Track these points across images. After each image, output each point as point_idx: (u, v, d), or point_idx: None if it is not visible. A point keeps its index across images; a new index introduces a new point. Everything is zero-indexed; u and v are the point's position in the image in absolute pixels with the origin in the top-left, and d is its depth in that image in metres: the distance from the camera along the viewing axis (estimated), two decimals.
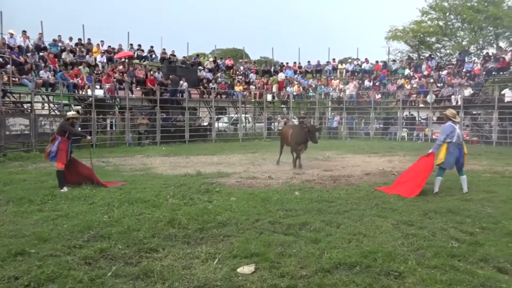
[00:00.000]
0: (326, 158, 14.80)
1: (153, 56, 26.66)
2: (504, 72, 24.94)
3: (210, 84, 25.16)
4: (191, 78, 24.45)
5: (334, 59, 31.50)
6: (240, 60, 31.75)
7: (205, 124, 24.88)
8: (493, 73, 25.12)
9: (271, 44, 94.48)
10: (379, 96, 26.55)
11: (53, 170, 11.18)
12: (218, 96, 25.05)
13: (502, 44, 31.98)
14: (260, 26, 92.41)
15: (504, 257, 4.26)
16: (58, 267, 3.92)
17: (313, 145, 18.89)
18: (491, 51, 30.55)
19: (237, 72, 28.77)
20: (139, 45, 26.19)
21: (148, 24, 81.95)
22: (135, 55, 25.57)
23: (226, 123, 27.35)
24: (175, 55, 26.56)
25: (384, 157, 14.89)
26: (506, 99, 21.21)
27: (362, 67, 30.09)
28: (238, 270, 3.95)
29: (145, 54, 26.23)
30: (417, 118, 25.10)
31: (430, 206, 6.57)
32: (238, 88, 25.98)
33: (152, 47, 26.87)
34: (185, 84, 23.04)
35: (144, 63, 25.48)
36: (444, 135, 7.83)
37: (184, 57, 27.69)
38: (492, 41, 33.11)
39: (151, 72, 23.46)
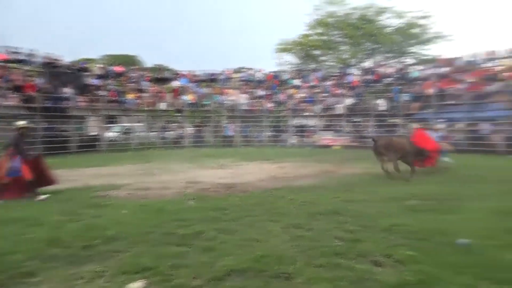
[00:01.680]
0: (221, 166, 14.92)
1: (33, 60, 24.39)
2: (379, 84, 27.90)
3: (99, 91, 23.82)
4: (78, 84, 22.89)
5: (228, 69, 32.09)
6: (132, 67, 30.62)
7: (94, 133, 23.40)
8: (370, 84, 27.94)
9: (166, 51, 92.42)
10: (271, 105, 27.70)
11: None
12: (108, 104, 23.82)
13: (378, 58, 35.72)
14: (154, 33, 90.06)
15: (379, 251, 4.68)
16: None
17: (208, 153, 18.95)
18: (368, 64, 33.94)
19: (129, 80, 27.69)
20: (16, 48, 23.76)
21: (30, 26, 74.71)
22: (11, 58, 23.12)
23: (117, 132, 26.04)
24: (59, 60, 24.62)
25: (277, 164, 15.50)
26: (381, 108, 23.69)
27: (256, 76, 31.15)
28: (127, 287, 3.77)
29: (23, 57, 23.86)
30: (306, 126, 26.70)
31: (317, 209, 6.97)
32: (130, 96, 24.98)
33: (31, 50, 24.58)
34: (71, 91, 21.47)
35: (25, 68, 23.18)
36: None
37: (69, 62, 25.82)
38: (369, 55, 36.69)
39: (31, 77, 21.39)
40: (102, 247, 4.92)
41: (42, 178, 8.86)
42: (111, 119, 25.64)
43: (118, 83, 27.25)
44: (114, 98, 24.27)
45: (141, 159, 17.66)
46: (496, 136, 18.86)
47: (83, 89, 23.49)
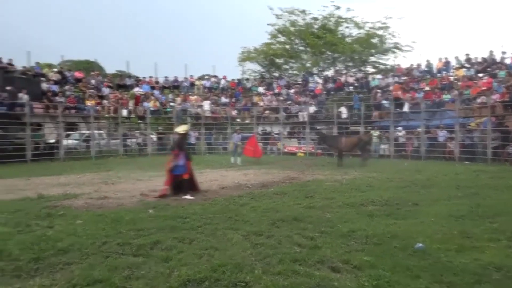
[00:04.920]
0: None
1: None
2: (341, 92, 28.48)
3: (57, 97, 23.01)
4: (33, 90, 21.99)
5: (192, 76, 31.84)
6: (92, 73, 29.74)
7: (52, 141, 22.49)
8: (332, 92, 28.49)
9: (127, 57, 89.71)
10: (235, 112, 27.68)
11: None
12: (67, 111, 23.03)
13: (339, 67, 36.49)
14: (115, 39, 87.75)
15: (337, 257, 4.71)
16: None
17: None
18: (330, 73, 34.61)
19: (88, 86, 26.85)
20: None
21: None
22: None
23: (77, 139, 25.13)
24: (12, 65, 23.56)
25: (240, 171, 15.45)
26: (343, 116, 24.15)
27: (219, 84, 31.07)
28: None
29: None
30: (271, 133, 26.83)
31: (278, 215, 6.97)
32: (90, 102, 24.24)
33: None
34: (26, 97, 20.63)
35: None
36: None
37: (24, 67, 24.71)
38: (330, 64, 37.42)
39: None
40: (52, 259, 4.68)
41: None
42: (70, 126, 24.75)
43: (77, 89, 26.40)
44: (73, 105, 23.49)
45: (102, 167, 17.14)
46: (451, 143, 19.61)
47: (40, 95, 22.62)
